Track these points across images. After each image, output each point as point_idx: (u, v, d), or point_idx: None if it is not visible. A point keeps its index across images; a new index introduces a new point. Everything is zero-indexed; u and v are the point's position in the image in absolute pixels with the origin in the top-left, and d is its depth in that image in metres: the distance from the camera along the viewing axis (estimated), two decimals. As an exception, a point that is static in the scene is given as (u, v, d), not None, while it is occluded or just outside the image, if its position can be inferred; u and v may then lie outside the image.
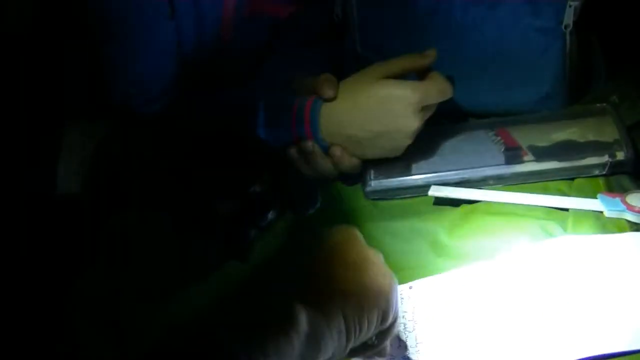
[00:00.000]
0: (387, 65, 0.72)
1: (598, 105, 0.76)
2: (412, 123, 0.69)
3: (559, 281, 0.59)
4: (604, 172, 0.70)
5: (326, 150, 0.71)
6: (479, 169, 0.72)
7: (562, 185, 0.70)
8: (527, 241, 0.64)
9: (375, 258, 0.51)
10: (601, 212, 0.66)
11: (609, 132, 0.72)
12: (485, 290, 0.60)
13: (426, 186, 0.72)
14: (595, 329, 0.55)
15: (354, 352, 0.51)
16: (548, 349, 0.55)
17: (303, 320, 0.44)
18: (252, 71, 0.79)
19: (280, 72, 0.78)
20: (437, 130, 0.76)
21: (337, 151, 0.71)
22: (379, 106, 0.70)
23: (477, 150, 0.74)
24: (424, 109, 0.70)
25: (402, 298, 0.60)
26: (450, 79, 0.72)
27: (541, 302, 0.58)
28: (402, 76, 0.71)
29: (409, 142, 0.71)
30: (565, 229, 0.65)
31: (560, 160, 0.71)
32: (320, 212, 0.55)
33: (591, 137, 0.72)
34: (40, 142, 0.55)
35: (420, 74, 0.72)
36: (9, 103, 0.53)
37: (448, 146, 0.76)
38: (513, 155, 0.72)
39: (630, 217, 0.64)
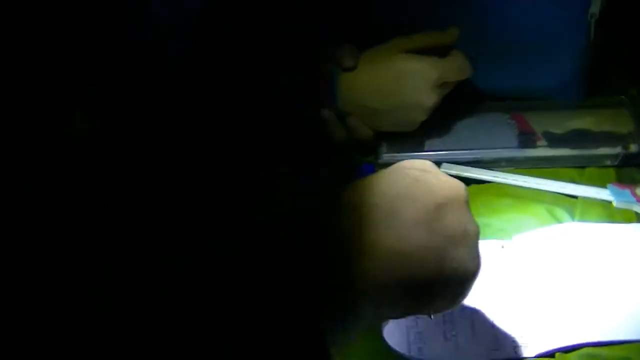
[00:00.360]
0: (408, 40, 0.72)
1: (616, 97, 0.76)
2: (428, 99, 0.70)
3: (564, 266, 0.59)
4: (616, 163, 0.70)
5: (342, 118, 0.72)
6: (492, 150, 0.72)
7: (573, 172, 0.71)
8: (534, 224, 0.64)
9: (475, 233, 0.45)
10: (610, 202, 0.66)
11: (624, 124, 0.72)
12: (493, 267, 0.61)
13: (437, 163, 0.72)
14: (596, 316, 0.56)
15: None
16: (547, 332, 0.55)
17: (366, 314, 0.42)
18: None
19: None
20: (452, 109, 0.76)
21: (352, 122, 0.72)
22: (398, 80, 0.70)
23: (491, 132, 0.74)
24: (441, 86, 0.70)
25: None
26: (471, 59, 0.72)
27: (545, 285, 0.59)
28: (423, 52, 0.72)
29: (424, 117, 0.71)
30: (573, 216, 0.65)
31: (573, 148, 0.71)
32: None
33: (606, 127, 0.72)
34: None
35: (441, 52, 0.72)
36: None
37: (462, 125, 0.76)
38: (526, 139, 0.73)
39: (638, 208, 0.65)
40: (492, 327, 0.57)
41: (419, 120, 0.71)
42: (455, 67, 0.70)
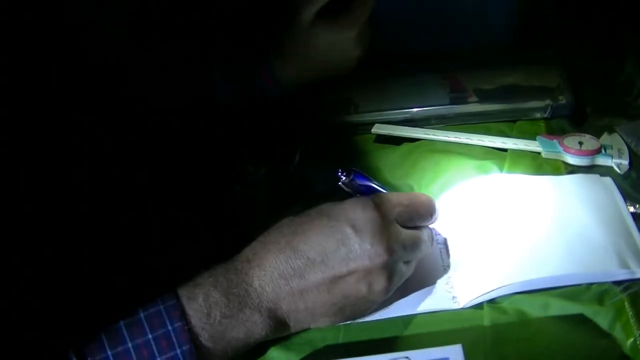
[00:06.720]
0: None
1: (545, 51, 0.76)
2: (355, 51, 0.72)
3: (490, 218, 0.59)
4: (545, 115, 0.70)
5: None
6: (423, 109, 0.72)
7: (504, 126, 0.71)
8: (464, 179, 0.64)
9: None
10: (539, 153, 0.66)
11: (552, 77, 0.72)
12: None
13: (371, 124, 0.72)
14: (522, 265, 0.56)
15: None
16: (475, 283, 0.55)
17: None
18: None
19: None
20: (386, 71, 0.76)
21: None
22: (326, 53, 0.71)
23: (423, 92, 0.74)
24: (360, 34, 0.71)
25: None
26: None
27: (473, 236, 0.59)
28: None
29: (355, 63, 0.73)
30: (501, 169, 0.65)
31: (503, 103, 0.71)
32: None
33: (535, 81, 0.72)
34: None
35: None
36: None
37: (396, 87, 0.76)
38: (458, 97, 0.73)
39: (566, 158, 0.65)
40: (421, 279, 0.57)
41: (353, 66, 0.74)
42: (363, 8, 0.70)
